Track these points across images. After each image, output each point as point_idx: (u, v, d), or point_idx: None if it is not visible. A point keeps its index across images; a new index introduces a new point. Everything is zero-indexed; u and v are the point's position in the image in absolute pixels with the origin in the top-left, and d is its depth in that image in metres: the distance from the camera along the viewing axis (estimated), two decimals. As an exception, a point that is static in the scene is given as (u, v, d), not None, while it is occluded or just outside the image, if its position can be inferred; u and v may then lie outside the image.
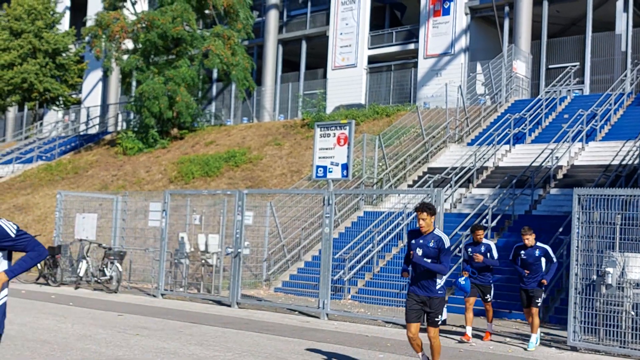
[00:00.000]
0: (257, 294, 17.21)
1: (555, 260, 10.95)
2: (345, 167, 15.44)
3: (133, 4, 34.46)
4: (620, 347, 10.52)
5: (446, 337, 11.73)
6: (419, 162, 23.38)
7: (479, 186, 21.11)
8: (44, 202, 28.13)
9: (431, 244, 7.82)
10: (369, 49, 35.61)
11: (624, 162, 19.53)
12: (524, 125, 23.77)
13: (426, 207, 7.84)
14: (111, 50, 33.24)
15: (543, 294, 11.06)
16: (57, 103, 42.51)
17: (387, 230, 18.08)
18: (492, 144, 22.60)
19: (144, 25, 31.79)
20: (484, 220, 17.37)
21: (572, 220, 11.02)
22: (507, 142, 23.05)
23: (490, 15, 31.62)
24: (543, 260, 10.87)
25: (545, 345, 11.36)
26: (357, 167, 21.83)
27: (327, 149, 15.64)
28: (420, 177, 22.00)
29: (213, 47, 31.31)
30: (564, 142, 21.24)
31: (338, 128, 15.50)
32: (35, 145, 37.87)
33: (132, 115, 34.63)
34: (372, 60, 35.70)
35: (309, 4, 39.26)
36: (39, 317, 12.61)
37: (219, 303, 15.71)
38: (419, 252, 7.85)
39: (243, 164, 26.92)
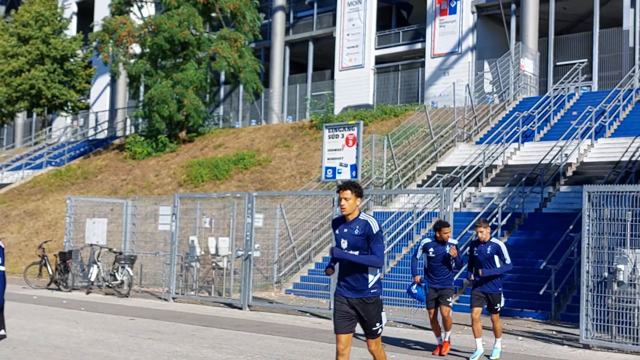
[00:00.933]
0: (268, 296, 17.22)
1: (509, 261, 9.72)
2: (354, 167, 15.42)
3: (140, 9, 34.57)
4: (633, 344, 10.47)
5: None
6: (428, 162, 23.35)
7: (488, 185, 21.06)
8: (54, 208, 28.25)
9: (356, 232, 6.41)
10: (376, 49, 35.59)
11: (633, 159, 19.44)
12: (532, 123, 23.71)
13: (350, 185, 6.49)
14: (118, 55, 33.36)
15: (502, 299, 9.84)
16: (66, 109, 42.70)
17: (397, 230, 18.06)
18: (500, 142, 22.54)
19: (150, 29, 31.89)
20: (494, 219, 17.32)
21: (583, 218, 10.98)
22: (516, 140, 22.98)
23: (496, 13, 31.54)
24: (496, 259, 9.69)
25: (557, 344, 11.32)
26: (366, 168, 21.82)
27: (335, 150, 15.63)
28: (429, 177, 21.97)
29: (220, 49, 31.38)
30: (573, 139, 21.17)
31: (346, 129, 15.49)
32: (44, 151, 38.03)
33: (140, 120, 34.73)
34: (379, 60, 35.68)
35: (316, 5, 39.29)
36: (51, 323, 12.66)
37: (230, 306, 15.73)
38: (344, 244, 6.42)
39: (252, 167, 26.96)
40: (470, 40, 32.03)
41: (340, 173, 15.39)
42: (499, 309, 9.86)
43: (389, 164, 22.72)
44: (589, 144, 21.69)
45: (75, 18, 48.42)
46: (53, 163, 36.30)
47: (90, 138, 42.26)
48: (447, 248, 9.86)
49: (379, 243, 6.42)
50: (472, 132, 25.12)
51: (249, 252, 15.25)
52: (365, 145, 21.56)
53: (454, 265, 10.02)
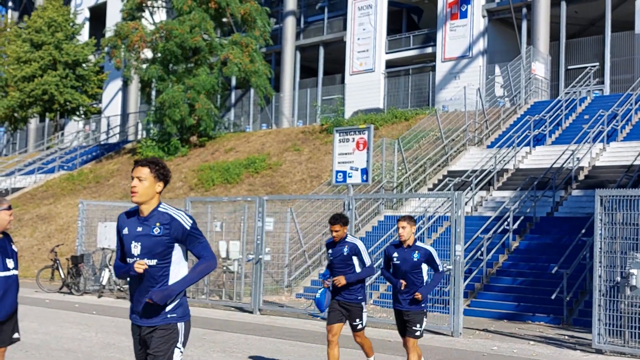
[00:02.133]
0: (278, 300, 17.23)
1: (441, 269, 7.90)
2: (364, 171, 15.42)
3: (151, 14, 34.74)
4: (647, 349, 10.40)
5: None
6: (439, 166, 23.30)
7: (499, 189, 21.00)
8: (66, 212, 28.39)
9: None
10: (387, 53, 35.59)
11: (646, 162, 19.33)
12: (544, 126, 23.62)
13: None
14: (130, 60, 33.52)
15: (424, 319, 7.78)
16: (78, 113, 42.94)
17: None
18: (512, 146, 22.47)
19: (162, 35, 32.04)
20: (505, 223, 17.26)
21: (595, 222, 10.92)
22: (527, 144, 22.91)
23: (507, 17, 31.48)
24: (424, 268, 7.81)
25: (570, 348, 11.26)
26: (377, 172, 21.80)
27: (346, 154, 15.65)
28: (440, 181, 21.93)
29: (231, 55, 31.49)
30: (584, 142, 21.07)
31: (357, 133, 15.50)
32: (56, 156, 38.24)
33: (152, 124, 34.88)
34: (389, 64, 35.67)
35: (326, 10, 39.35)
36: (63, 326, 12.71)
37: (241, 310, 15.75)
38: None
39: (263, 170, 27.00)
40: (481, 44, 31.98)
41: (351, 177, 15.40)
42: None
43: (400, 168, 22.70)
44: (601, 148, 21.59)
45: (87, 24, 48.74)
46: (65, 167, 36.49)
47: (102, 142, 42.47)
48: (345, 248, 7.98)
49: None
50: (483, 135, 25.06)
51: (260, 256, 15.27)
52: (375, 149, 21.55)
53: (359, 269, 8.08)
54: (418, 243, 7.83)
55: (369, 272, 8.06)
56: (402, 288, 7.78)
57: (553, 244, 16.82)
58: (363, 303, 8.05)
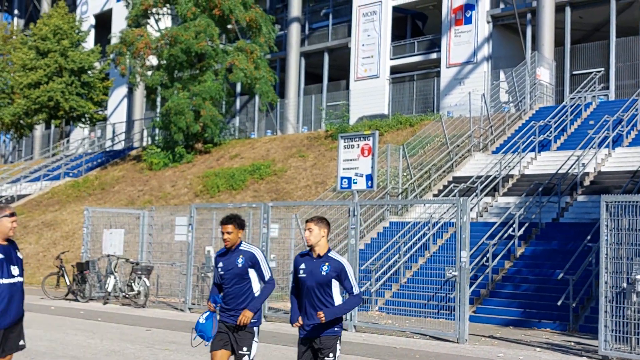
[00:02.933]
0: (284, 306, 17.20)
1: (357, 290, 6.10)
2: (369, 177, 15.42)
3: (157, 21, 34.86)
4: (653, 355, 10.36)
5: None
6: (444, 172, 23.28)
7: (504, 194, 20.96)
8: (72, 219, 28.44)
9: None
10: (391, 59, 35.61)
11: (652, 168, 19.28)
12: (549, 132, 23.59)
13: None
14: (136, 66, 33.64)
15: (338, 346, 6.09)
16: (83, 120, 43.08)
17: (414, 240, 18.01)
18: (517, 151, 22.44)
19: (167, 41, 32.14)
20: (511, 229, 17.22)
21: (601, 228, 10.89)
22: (533, 150, 22.88)
23: (512, 22, 31.48)
24: (336, 287, 6.12)
25: (576, 355, 11.21)
26: (382, 178, 21.79)
27: (351, 160, 15.65)
28: (445, 187, 21.90)
29: (236, 61, 31.56)
30: (590, 148, 21.03)
31: (362, 139, 15.50)
32: (62, 162, 38.35)
33: (157, 131, 34.97)
34: (394, 70, 35.69)
35: (331, 16, 39.43)
36: (68, 333, 12.72)
37: (246, 316, 15.71)
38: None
39: (268, 177, 27.02)
40: (485, 50, 31.98)
41: (356, 183, 15.40)
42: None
43: (405, 174, 22.68)
44: (607, 154, 21.54)
45: (93, 31, 48.92)
46: (71, 174, 36.58)
47: (107, 149, 42.58)
48: (240, 259, 6.57)
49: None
50: (488, 141, 25.03)
51: (265, 263, 15.23)
52: (380, 155, 21.54)
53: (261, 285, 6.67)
54: (332, 253, 6.11)
55: (271, 289, 6.62)
56: (294, 326, 6.14)
57: (559, 250, 16.77)
58: (256, 328, 6.56)
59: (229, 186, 27.03)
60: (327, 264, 6.05)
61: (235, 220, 6.55)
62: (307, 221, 6.17)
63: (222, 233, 6.53)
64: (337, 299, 6.07)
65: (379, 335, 13.19)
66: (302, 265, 6.15)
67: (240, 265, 6.52)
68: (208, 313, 6.62)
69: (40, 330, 12.71)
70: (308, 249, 6.13)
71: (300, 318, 6.09)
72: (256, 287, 6.60)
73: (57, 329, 13.26)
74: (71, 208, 30.07)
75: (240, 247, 6.59)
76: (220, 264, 6.61)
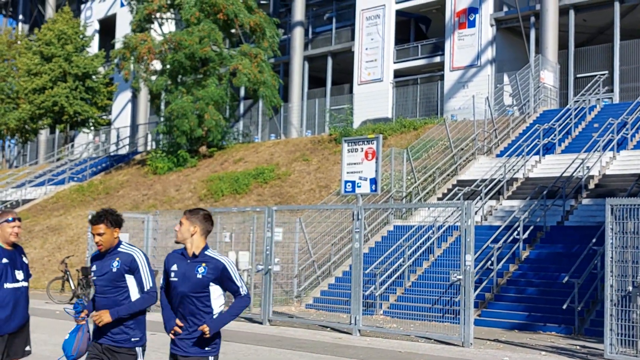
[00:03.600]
0: (288, 310, 17.19)
1: (244, 291, 5.24)
2: (373, 181, 15.40)
3: (160, 26, 34.92)
4: (659, 359, 10.32)
5: None
6: (448, 175, 23.26)
7: (509, 198, 20.93)
8: (77, 223, 28.48)
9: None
10: (395, 63, 35.63)
11: (657, 171, 19.23)
12: (553, 135, 23.55)
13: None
14: (139, 71, 33.68)
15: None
16: (88, 125, 43.18)
17: (418, 244, 17.99)
18: (521, 155, 22.41)
19: (171, 46, 32.20)
20: (515, 232, 17.18)
21: (606, 231, 10.86)
22: (537, 153, 22.84)
23: (516, 26, 31.46)
24: (215, 292, 5.19)
25: (582, 359, 11.18)
26: (386, 181, 21.78)
27: (355, 163, 15.63)
28: (449, 190, 21.88)
29: (240, 65, 31.60)
30: (594, 151, 20.99)
31: (366, 143, 15.49)
32: (66, 167, 38.41)
33: (161, 135, 35.01)
34: (398, 74, 35.70)
35: (334, 20, 39.47)
36: (74, 337, 12.70)
37: (251, 320, 15.72)
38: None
39: (272, 181, 27.02)
40: (489, 53, 31.97)
41: (360, 187, 15.38)
42: None
43: (409, 177, 22.66)
44: (611, 157, 21.50)
45: (97, 36, 49.06)
46: (75, 179, 36.64)
47: (111, 154, 42.65)
48: (115, 263, 5.50)
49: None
50: (493, 144, 25.00)
51: (269, 267, 15.25)
52: (384, 158, 21.53)
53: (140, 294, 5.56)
54: (209, 252, 5.19)
55: (150, 301, 5.50)
56: (172, 335, 5.21)
57: (564, 254, 16.73)
58: (139, 348, 5.53)
59: (233, 190, 27.04)
60: (203, 264, 5.11)
61: (106, 218, 5.45)
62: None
63: (93, 235, 5.48)
64: (216, 308, 5.13)
65: (384, 339, 13.17)
66: (174, 267, 5.18)
67: (115, 269, 5.45)
68: (75, 326, 5.60)
69: (45, 335, 12.71)
70: (183, 246, 5.24)
71: (178, 321, 5.13)
72: (135, 297, 5.50)
73: (62, 333, 13.22)
74: (76, 212, 30.10)
75: (119, 249, 5.53)
76: (94, 268, 5.55)
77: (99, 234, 5.43)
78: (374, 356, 11.22)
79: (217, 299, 5.15)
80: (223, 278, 5.13)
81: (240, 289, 5.19)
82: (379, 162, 15.21)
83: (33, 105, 40.60)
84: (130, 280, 5.48)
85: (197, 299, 5.07)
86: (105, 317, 5.34)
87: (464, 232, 12.42)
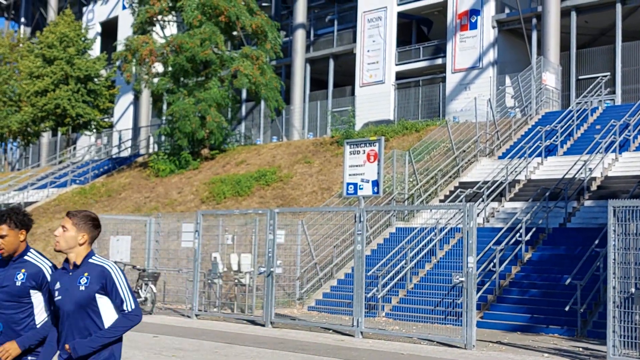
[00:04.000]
0: (290, 313, 17.19)
1: (131, 307, 4.39)
2: (375, 183, 15.40)
3: (162, 28, 34.96)
4: (662, 361, 10.30)
5: None
6: (450, 177, 23.25)
7: (511, 200, 20.92)
8: (79, 226, 28.46)
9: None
10: (397, 65, 35.64)
11: (659, 172, 19.21)
12: (555, 137, 23.55)
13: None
14: (141, 74, 33.71)
15: None
16: (90, 127, 43.23)
17: (420, 246, 17.98)
18: (523, 156, 22.41)
19: (172, 48, 32.23)
20: (517, 234, 17.17)
21: (608, 233, 10.85)
22: (539, 155, 22.83)
23: (517, 27, 31.46)
24: (104, 305, 4.35)
25: (584, 361, 11.17)
26: (388, 183, 21.77)
27: (357, 165, 15.64)
28: (451, 192, 21.87)
29: (242, 67, 31.61)
30: (596, 153, 20.98)
31: (368, 145, 15.49)
32: (68, 170, 38.44)
33: (163, 138, 35.04)
34: (399, 76, 35.70)
35: (336, 22, 39.48)
36: (76, 340, 12.71)
37: (253, 323, 15.72)
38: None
39: (274, 183, 27.02)
40: (491, 55, 31.97)
41: (362, 189, 15.39)
42: None
43: (411, 180, 22.66)
44: (613, 158, 21.48)
45: (99, 38, 49.14)
46: (77, 181, 36.66)
47: (113, 156, 42.68)
48: (20, 275, 4.63)
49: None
50: (495, 146, 24.99)
51: (271, 269, 15.25)
52: (386, 160, 21.53)
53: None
54: (94, 258, 4.40)
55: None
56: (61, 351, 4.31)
57: (566, 255, 16.72)
58: None
59: (235, 192, 27.05)
60: (86, 274, 4.29)
61: (10, 218, 4.62)
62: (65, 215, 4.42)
63: None
64: (108, 322, 4.31)
65: (386, 341, 13.16)
66: (57, 285, 4.36)
67: (19, 283, 4.56)
68: None
69: (48, 338, 12.71)
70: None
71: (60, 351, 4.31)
72: (41, 318, 4.59)
73: (64, 336, 13.26)
74: (78, 215, 30.08)
75: (26, 257, 4.70)
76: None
77: (1, 237, 4.58)
78: (377, 358, 11.21)
79: (110, 312, 4.33)
80: (107, 287, 4.29)
81: (125, 304, 4.32)
82: (381, 164, 15.21)
83: (35, 108, 40.66)
84: (36, 296, 4.60)
85: (82, 315, 4.25)
86: (13, 349, 4.45)
87: (466, 234, 12.42)
